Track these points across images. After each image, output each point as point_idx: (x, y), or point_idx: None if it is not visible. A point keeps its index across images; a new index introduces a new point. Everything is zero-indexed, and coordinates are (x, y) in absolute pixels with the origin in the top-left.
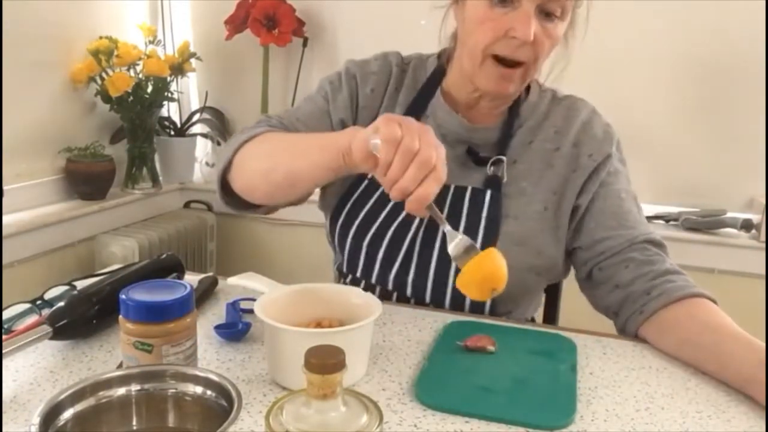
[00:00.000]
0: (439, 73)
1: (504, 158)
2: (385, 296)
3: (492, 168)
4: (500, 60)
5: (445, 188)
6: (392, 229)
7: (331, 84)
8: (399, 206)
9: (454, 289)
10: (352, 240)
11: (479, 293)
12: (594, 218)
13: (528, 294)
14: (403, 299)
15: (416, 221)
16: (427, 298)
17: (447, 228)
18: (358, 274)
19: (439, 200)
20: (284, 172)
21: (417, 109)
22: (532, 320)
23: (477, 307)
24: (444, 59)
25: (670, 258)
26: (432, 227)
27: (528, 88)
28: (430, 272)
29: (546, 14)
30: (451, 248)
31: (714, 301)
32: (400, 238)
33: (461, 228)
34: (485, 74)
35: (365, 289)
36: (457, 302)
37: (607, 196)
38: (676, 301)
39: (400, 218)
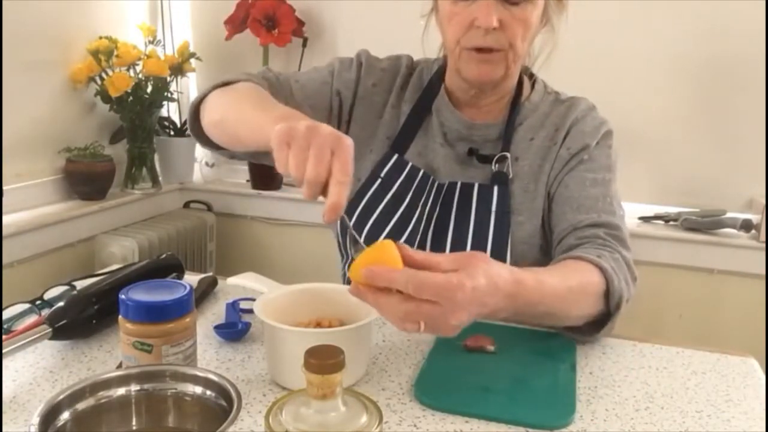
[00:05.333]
0: (443, 73)
1: (508, 155)
2: None
3: (497, 165)
4: (476, 50)
5: (451, 186)
6: (409, 228)
7: (341, 63)
8: (412, 206)
9: None
10: (366, 239)
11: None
12: (555, 206)
13: None
14: None
15: (426, 214)
16: None
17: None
18: None
19: (447, 198)
20: (231, 132)
21: (422, 105)
22: None
23: None
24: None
25: (622, 243)
26: (443, 218)
27: (531, 87)
28: None
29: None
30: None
31: (611, 284)
32: (415, 231)
33: (471, 225)
34: (465, 64)
35: None
36: None
37: (569, 184)
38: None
39: (414, 218)
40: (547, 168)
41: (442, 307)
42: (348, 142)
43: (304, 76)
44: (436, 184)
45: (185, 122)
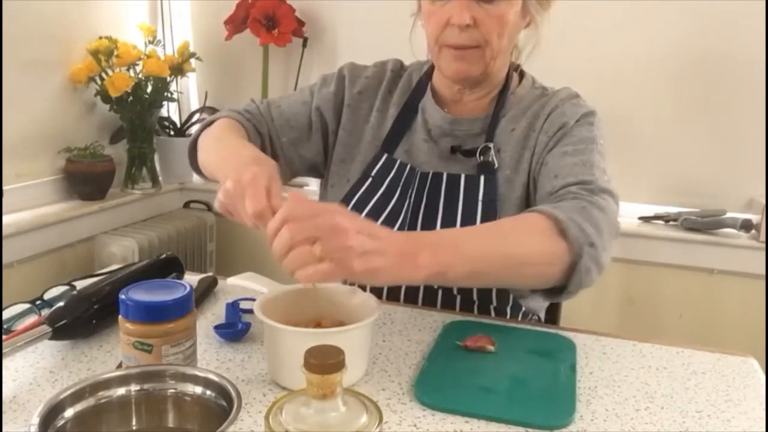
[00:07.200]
0: (431, 74)
1: (491, 145)
2: (395, 288)
3: (481, 156)
4: (452, 48)
5: (437, 175)
6: (398, 222)
7: (323, 80)
8: (401, 200)
9: None
10: None
11: None
12: (537, 185)
13: None
14: (412, 288)
15: (413, 204)
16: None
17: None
18: None
19: (434, 188)
20: (211, 171)
21: (410, 106)
22: (539, 320)
23: (468, 304)
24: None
25: (596, 192)
26: (431, 209)
27: (519, 82)
28: None
29: None
30: None
31: (560, 221)
32: (404, 223)
33: (459, 215)
34: (444, 62)
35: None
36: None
37: (548, 161)
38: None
39: (403, 211)
40: (527, 155)
41: (324, 217)
42: (249, 176)
43: (286, 101)
44: (419, 173)
45: (185, 122)
